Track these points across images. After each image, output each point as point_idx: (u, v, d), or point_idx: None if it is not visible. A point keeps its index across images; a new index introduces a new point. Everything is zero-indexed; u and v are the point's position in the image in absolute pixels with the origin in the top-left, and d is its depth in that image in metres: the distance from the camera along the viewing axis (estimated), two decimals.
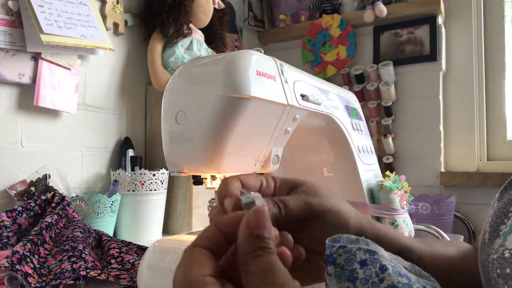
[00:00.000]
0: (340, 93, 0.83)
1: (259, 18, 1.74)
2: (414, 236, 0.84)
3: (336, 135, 0.78)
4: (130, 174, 0.98)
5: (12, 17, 0.87)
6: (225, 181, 0.32)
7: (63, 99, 0.97)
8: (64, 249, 0.68)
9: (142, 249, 0.76)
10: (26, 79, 0.90)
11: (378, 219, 0.80)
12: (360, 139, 0.83)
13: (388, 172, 0.86)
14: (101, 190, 1.08)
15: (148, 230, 0.99)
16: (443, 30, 1.42)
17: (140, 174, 0.97)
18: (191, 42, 1.17)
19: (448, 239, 0.90)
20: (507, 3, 1.40)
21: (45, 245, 0.70)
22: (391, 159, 1.43)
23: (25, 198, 0.86)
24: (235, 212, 0.28)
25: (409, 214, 0.86)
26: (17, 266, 0.58)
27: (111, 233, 0.93)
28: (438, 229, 0.92)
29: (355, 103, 0.91)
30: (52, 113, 0.98)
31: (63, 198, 0.81)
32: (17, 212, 0.76)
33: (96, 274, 0.61)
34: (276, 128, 0.58)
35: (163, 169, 1.01)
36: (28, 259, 0.62)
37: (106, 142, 1.11)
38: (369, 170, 0.84)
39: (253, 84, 0.51)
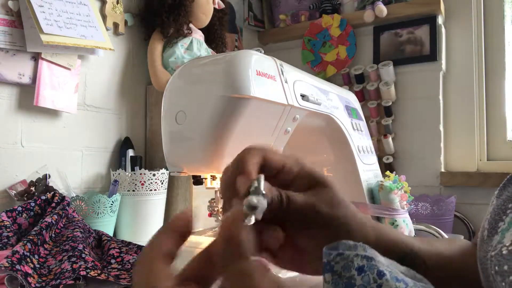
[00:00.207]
0: (340, 93, 0.83)
1: (259, 18, 1.74)
2: (414, 236, 0.84)
3: (336, 135, 0.78)
4: (130, 174, 0.98)
5: (12, 17, 0.87)
6: (246, 154, 0.30)
7: (63, 99, 0.97)
8: (64, 249, 0.68)
9: (142, 249, 0.76)
10: (26, 79, 0.90)
11: (378, 219, 0.80)
12: (360, 139, 0.83)
13: (388, 172, 0.86)
14: (101, 190, 1.08)
15: (148, 230, 0.99)
16: (443, 30, 1.42)
17: (140, 174, 0.97)
18: (191, 42, 1.17)
19: None
20: (507, 3, 1.40)
21: (45, 245, 0.70)
22: (391, 159, 1.43)
23: (25, 198, 0.85)
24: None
25: (409, 214, 0.86)
26: (17, 266, 0.58)
27: (111, 233, 0.93)
28: (438, 229, 0.92)
29: (355, 103, 0.91)
30: (52, 113, 0.98)
31: (63, 198, 0.81)
32: (17, 212, 0.76)
33: (96, 274, 0.61)
34: (276, 128, 0.58)
35: (163, 169, 1.01)
36: (28, 259, 0.62)
37: (106, 142, 1.11)
38: (369, 170, 0.84)
39: (253, 84, 0.51)
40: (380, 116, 1.47)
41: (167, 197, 1.05)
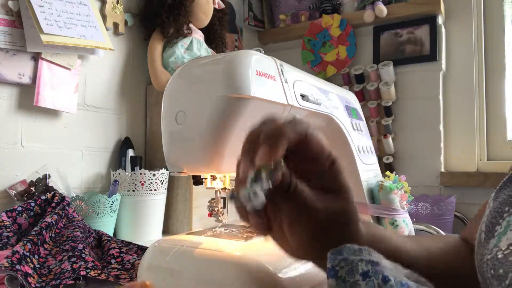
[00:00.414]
0: (340, 93, 0.83)
1: (259, 18, 1.74)
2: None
3: (336, 135, 0.78)
4: (130, 174, 0.98)
5: (12, 17, 0.87)
6: (286, 127, 0.28)
7: (63, 99, 0.97)
8: (64, 249, 0.68)
9: (142, 249, 0.76)
10: (26, 79, 0.90)
11: (378, 219, 0.80)
12: (360, 139, 0.83)
13: (388, 172, 0.86)
14: (101, 190, 1.08)
15: (148, 230, 0.99)
16: (443, 30, 1.42)
17: (140, 174, 0.97)
18: (191, 42, 1.17)
19: None
20: (507, 3, 1.40)
21: (45, 245, 0.70)
22: (391, 159, 1.43)
23: (25, 198, 0.85)
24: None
25: (409, 214, 0.86)
26: (17, 266, 0.58)
27: (111, 233, 0.93)
28: (438, 229, 0.92)
29: (355, 103, 0.91)
30: (52, 113, 0.98)
31: (63, 198, 0.81)
32: (17, 212, 0.76)
33: (96, 274, 0.61)
34: None
35: (163, 169, 1.01)
36: (28, 259, 0.62)
37: (106, 142, 1.11)
38: (369, 170, 0.84)
39: (253, 84, 0.51)
40: (380, 116, 1.47)
41: (167, 197, 1.05)
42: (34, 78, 0.91)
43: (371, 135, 1.43)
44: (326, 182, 0.32)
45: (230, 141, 0.51)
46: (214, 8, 1.23)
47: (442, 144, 1.40)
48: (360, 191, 0.79)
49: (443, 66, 1.41)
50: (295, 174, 0.31)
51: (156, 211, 1.01)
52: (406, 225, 0.81)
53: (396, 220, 0.80)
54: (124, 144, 1.13)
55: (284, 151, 0.28)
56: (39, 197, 0.80)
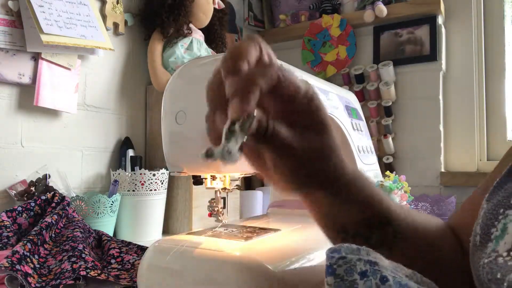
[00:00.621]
0: (340, 93, 0.83)
1: (259, 18, 1.74)
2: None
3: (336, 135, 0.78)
4: (130, 174, 0.98)
5: (12, 17, 0.87)
6: (257, 73, 0.28)
7: (63, 99, 0.97)
8: (64, 249, 0.68)
9: (142, 249, 0.76)
10: (26, 79, 0.90)
11: None
12: (360, 139, 0.83)
13: (388, 172, 0.86)
14: (101, 190, 1.08)
15: (148, 230, 0.99)
16: (443, 30, 1.42)
17: (140, 174, 0.97)
18: (191, 42, 1.17)
19: None
20: (507, 3, 1.40)
21: (45, 245, 0.70)
22: (391, 159, 1.43)
23: (25, 198, 0.86)
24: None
25: None
26: (17, 266, 0.58)
27: (111, 233, 0.93)
28: None
29: (355, 103, 0.91)
30: (52, 113, 0.98)
31: (63, 198, 0.81)
32: (17, 212, 0.76)
33: (96, 274, 0.61)
34: None
35: (163, 169, 1.01)
36: (28, 259, 0.62)
37: (106, 142, 1.11)
38: (369, 170, 0.84)
39: None
40: (380, 116, 1.47)
41: (167, 197, 1.05)
42: (34, 78, 0.91)
43: (371, 135, 1.43)
44: (305, 120, 0.31)
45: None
46: (214, 8, 1.23)
47: (442, 144, 1.40)
48: None
49: (443, 66, 1.41)
50: (272, 114, 0.30)
51: (156, 211, 1.01)
52: None
53: None
54: (124, 144, 1.13)
55: (256, 101, 0.27)
56: (39, 197, 0.80)
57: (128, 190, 0.97)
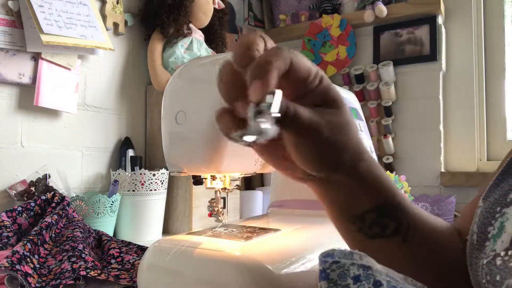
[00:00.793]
0: (340, 93, 0.83)
1: (259, 18, 1.74)
2: None
3: None
4: (130, 174, 0.98)
5: (12, 17, 0.87)
6: (271, 54, 0.28)
7: (63, 99, 0.97)
8: (64, 249, 0.68)
9: (142, 249, 0.76)
10: (26, 79, 0.90)
11: None
12: None
13: (388, 172, 0.86)
14: (101, 190, 1.08)
15: (148, 230, 0.99)
16: (443, 30, 1.42)
17: (140, 174, 0.97)
18: (191, 42, 1.17)
19: None
20: (507, 3, 1.40)
21: (45, 245, 0.70)
22: (391, 159, 1.43)
23: (25, 198, 0.86)
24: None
25: None
26: (17, 266, 0.58)
27: (111, 233, 0.93)
28: None
29: (355, 103, 0.91)
30: (52, 113, 0.98)
31: (63, 198, 0.81)
32: (17, 212, 0.76)
33: (96, 274, 0.61)
34: None
35: (163, 169, 1.01)
36: (28, 259, 0.62)
37: (106, 142, 1.11)
38: None
39: None
40: (380, 116, 1.47)
41: (167, 197, 1.05)
42: (34, 78, 0.91)
43: (371, 135, 1.43)
44: (318, 100, 0.32)
45: (230, 141, 0.51)
46: (214, 8, 1.23)
47: (442, 144, 1.40)
48: None
49: (443, 66, 1.41)
50: (290, 97, 0.30)
51: (156, 211, 1.01)
52: None
53: None
54: (124, 144, 1.13)
55: (276, 79, 0.27)
56: (39, 197, 0.80)
57: (128, 190, 0.97)
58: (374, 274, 0.25)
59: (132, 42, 1.19)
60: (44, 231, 0.71)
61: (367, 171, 0.34)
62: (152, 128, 1.20)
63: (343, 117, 0.32)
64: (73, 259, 0.64)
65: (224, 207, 0.61)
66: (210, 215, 0.60)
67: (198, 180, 0.58)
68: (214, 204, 0.60)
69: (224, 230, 0.60)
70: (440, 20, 1.41)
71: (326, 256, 0.25)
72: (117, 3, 1.11)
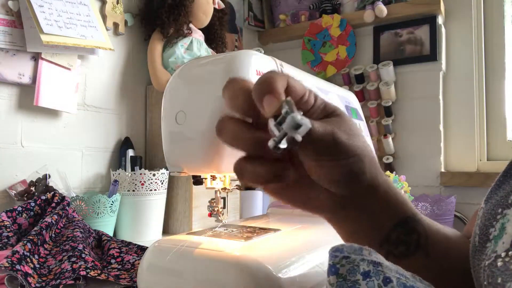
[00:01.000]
0: (340, 93, 0.83)
1: (259, 18, 1.74)
2: None
3: None
4: (130, 174, 0.98)
5: (12, 17, 0.87)
6: (271, 75, 0.28)
7: (63, 99, 0.97)
8: (64, 249, 0.68)
9: (142, 249, 0.76)
10: (26, 79, 0.90)
11: None
12: None
13: (388, 172, 0.86)
14: (101, 190, 1.08)
15: (148, 230, 0.99)
16: (443, 30, 1.42)
17: (140, 174, 0.97)
18: (191, 42, 1.17)
19: None
20: (507, 3, 1.40)
21: (45, 245, 0.70)
22: (391, 159, 1.43)
23: (25, 198, 0.85)
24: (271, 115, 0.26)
25: None
26: (17, 266, 0.58)
27: (111, 233, 0.93)
28: None
29: (355, 103, 0.91)
30: (52, 113, 0.98)
31: (63, 198, 0.81)
32: (17, 212, 0.76)
33: (96, 274, 0.61)
34: None
35: (163, 169, 1.01)
36: (28, 259, 0.62)
37: (106, 142, 1.11)
38: None
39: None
40: (380, 116, 1.47)
41: (167, 197, 1.05)
42: (34, 78, 0.91)
43: (371, 135, 1.44)
44: (320, 115, 0.31)
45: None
46: (214, 8, 1.23)
47: (442, 144, 1.40)
48: None
49: (443, 66, 1.41)
50: None
51: (156, 211, 1.01)
52: None
53: None
54: (124, 144, 1.13)
55: (284, 89, 0.28)
56: (39, 197, 0.80)
57: (128, 190, 0.97)
58: (384, 271, 0.24)
59: (132, 42, 1.19)
60: (44, 231, 0.71)
61: (385, 182, 0.33)
62: (152, 128, 1.20)
63: (350, 121, 0.32)
64: (73, 259, 0.64)
65: (224, 207, 0.61)
66: (210, 215, 0.60)
67: (198, 180, 0.58)
68: (214, 204, 0.60)
69: (224, 230, 0.60)
70: (440, 20, 1.41)
71: (336, 251, 0.25)
72: (117, 3, 1.11)
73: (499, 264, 0.26)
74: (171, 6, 1.12)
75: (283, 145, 0.25)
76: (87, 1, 0.99)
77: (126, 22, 1.15)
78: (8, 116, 0.90)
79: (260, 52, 0.58)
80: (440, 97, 1.40)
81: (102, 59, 1.10)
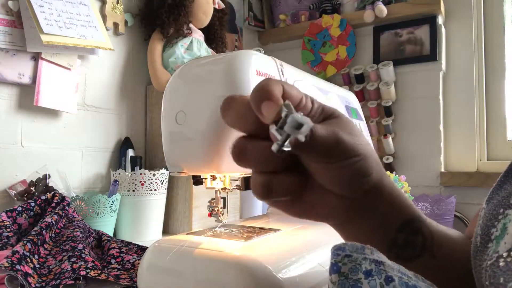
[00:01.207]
0: (340, 93, 0.83)
1: (259, 18, 1.74)
2: None
3: None
4: (130, 174, 0.98)
5: (12, 17, 0.87)
6: (267, 82, 0.28)
7: (63, 99, 0.97)
8: (64, 249, 0.68)
9: (142, 249, 0.76)
10: (26, 79, 0.90)
11: None
12: None
13: (388, 172, 0.86)
14: (101, 190, 1.08)
15: (148, 230, 0.99)
16: (443, 30, 1.42)
17: (140, 174, 0.97)
18: (191, 42, 1.17)
19: None
20: (507, 3, 1.40)
21: (45, 245, 0.70)
22: (391, 159, 1.43)
23: (25, 198, 0.85)
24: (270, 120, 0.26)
25: None
26: (17, 266, 0.58)
27: (111, 233, 0.93)
28: None
29: (355, 103, 0.91)
30: (52, 113, 0.98)
31: (63, 198, 0.81)
32: (17, 212, 0.76)
33: (96, 274, 0.61)
34: None
35: (163, 169, 1.01)
36: (28, 259, 0.62)
37: (106, 142, 1.11)
38: None
39: (253, 84, 0.50)
40: (380, 116, 1.47)
41: (167, 197, 1.05)
42: (34, 78, 0.91)
43: (371, 135, 1.44)
44: (319, 119, 0.31)
45: (230, 141, 0.51)
46: (214, 8, 1.23)
47: (442, 144, 1.40)
48: None
49: (443, 66, 1.41)
50: None
51: (156, 211, 1.01)
52: None
53: None
54: (124, 144, 1.13)
55: (281, 94, 0.27)
56: (39, 197, 0.80)
57: (128, 190, 0.97)
58: (386, 270, 0.24)
59: (132, 42, 1.19)
60: (44, 231, 0.71)
61: (390, 182, 0.33)
62: (152, 128, 1.20)
63: (350, 122, 0.31)
64: (73, 259, 0.64)
65: (224, 207, 0.61)
66: (210, 215, 0.60)
67: (198, 180, 0.58)
68: (214, 204, 0.60)
69: (224, 230, 0.60)
70: (440, 20, 1.41)
71: (338, 250, 0.25)
72: (117, 3, 1.11)
73: (501, 264, 0.26)
74: (171, 6, 1.12)
75: (287, 147, 0.25)
76: (87, 1, 0.99)
77: (126, 22, 1.15)
78: (8, 116, 0.90)
79: (260, 52, 0.58)
80: (440, 97, 1.40)
81: (102, 59, 1.10)
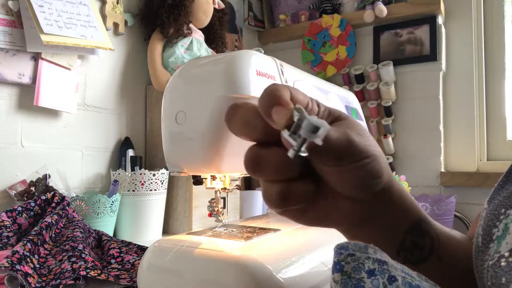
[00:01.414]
0: (340, 93, 0.83)
1: (259, 18, 1.74)
2: None
3: None
4: (130, 174, 0.98)
5: (12, 17, 0.87)
6: (275, 87, 0.27)
7: (63, 99, 0.97)
8: (64, 249, 0.68)
9: (142, 249, 0.76)
10: (26, 79, 0.90)
11: None
12: None
13: None
14: (101, 190, 1.08)
15: (148, 230, 0.99)
16: (443, 30, 1.42)
17: (140, 174, 0.97)
18: (191, 42, 1.17)
19: None
20: (507, 3, 1.40)
21: (45, 245, 0.70)
22: (391, 159, 1.43)
23: (25, 198, 0.85)
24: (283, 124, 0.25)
25: None
26: (17, 266, 0.58)
27: (111, 233, 0.93)
28: None
29: (355, 103, 0.91)
30: (52, 113, 0.98)
31: (63, 198, 0.81)
32: (17, 212, 0.76)
33: (96, 274, 0.61)
34: None
35: (163, 169, 1.01)
36: (28, 259, 0.62)
37: (106, 142, 1.11)
38: None
39: (253, 84, 0.51)
40: (380, 116, 1.47)
41: (167, 197, 1.05)
42: (34, 78, 0.91)
43: (371, 135, 1.43)
44: (328, 119, 0.31)
45: (230, 141, 0.51)
46: (214, 8, 1.23)
47: (442, 144, 1.40)
48: None
49: (443, 66, 1.41)
50: None
51: (156, 211, 1.01)
52: None
53: None
54: (124, 144, 1.13)
55: (289, 98, 0.27)
56: (39, 197, 0.80)
57: (128, 190, 0.97)
58: (389, 269, 0.24)
59: (132, 42, 1.19)
60: (44, 231, 0.71)
61: (398, 184, 0.33)
62: (152, 128, 1.20)
63: (357, 123, 0.31)
64: (73, 259, 0.64)
65: (224, 207, 0.61)
66: (210, 215, 0.60)
67: (198, 180, 0.58)
68: (214, 204, 0.60)
69: (224, 230, 0.60)
70: (440, 20, 1.41)
71: (341, 249, 0.25)
72: (117, 3, 1.11)
73: (503, 264, 0.26)
74: (171, 6, 1.12)
75: (304, 152, 0.25)
76: (87, 1, 0.99)
77: (126, 22, 1.15)
78: (8, 116, 0.90)
79: (260, 52, 0.58)
80: (440, 97, 1.40)
81: (102, 59, 1.10)
